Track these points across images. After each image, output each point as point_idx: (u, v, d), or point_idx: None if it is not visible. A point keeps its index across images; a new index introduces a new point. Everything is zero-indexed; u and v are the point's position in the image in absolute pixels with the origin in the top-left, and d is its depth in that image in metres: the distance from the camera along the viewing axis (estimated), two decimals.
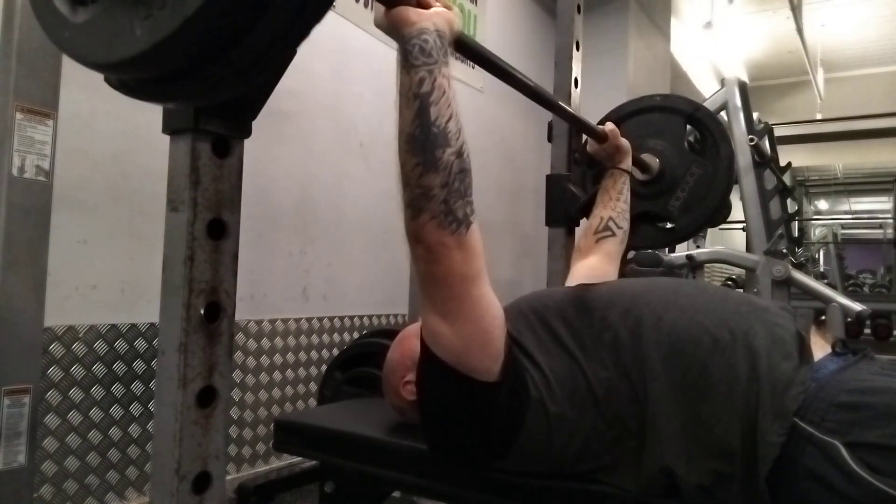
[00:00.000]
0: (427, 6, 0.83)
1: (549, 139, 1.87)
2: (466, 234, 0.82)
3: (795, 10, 5.35)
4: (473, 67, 3.35)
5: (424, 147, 0.79)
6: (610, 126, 1.49)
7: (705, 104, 4.01)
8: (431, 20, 0.82)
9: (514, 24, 3.87)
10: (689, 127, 1.83)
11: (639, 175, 1.69)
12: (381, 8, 0.82)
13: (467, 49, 0.96)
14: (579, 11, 1.87)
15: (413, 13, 0.81)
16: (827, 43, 6.91)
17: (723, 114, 3.83)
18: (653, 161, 1.74)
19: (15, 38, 1.22)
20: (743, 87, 3.80)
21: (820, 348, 0.91)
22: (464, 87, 3.04)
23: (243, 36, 0.53)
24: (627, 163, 1.53)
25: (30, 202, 1.26)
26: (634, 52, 4.09)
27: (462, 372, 0.88)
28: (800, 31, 5.65)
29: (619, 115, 1.84)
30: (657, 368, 0.89)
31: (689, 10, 5.64)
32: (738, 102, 3.74)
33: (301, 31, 0.55)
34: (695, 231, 1.89)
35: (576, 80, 1.86)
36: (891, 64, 7.59)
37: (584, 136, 1.62)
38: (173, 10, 0.50)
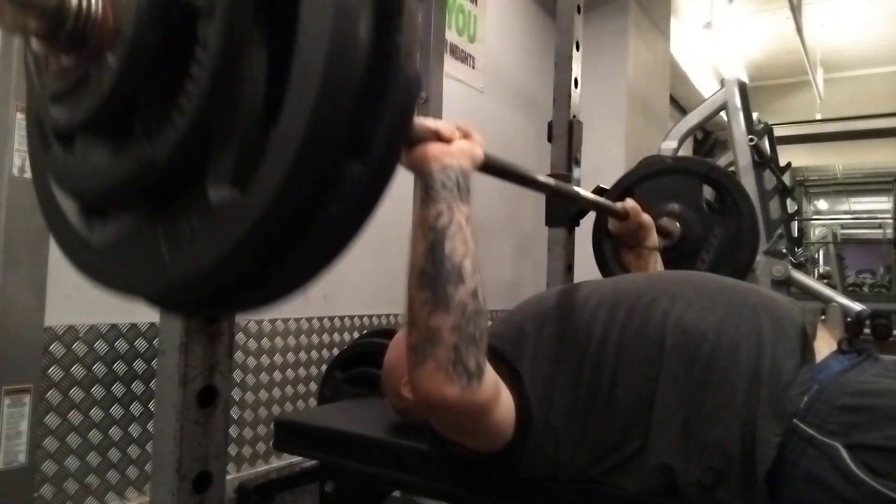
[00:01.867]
0: (448, 140, 0.82)
1: (550, 139, 1.87)
2: (479, 388, 0.75)
3: (795, 10, 5.35)
4: (473, 67, 3.35)
5: (435, 283, 0.74)
6: (631, 203, 1.45)
7: (705, 104, 4.03)
8: (455, 157, 0.80)
9: (514, 25, 3.87)
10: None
11: (660, 242, 1.66)
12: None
13: (493, 168, 0.96)
14: (579, 12, 1.87)
15: (436, 149, 0.79)
16: (826, 43, 6.91)
17: (722, 114, 3.83)
18: (672, 226, 1.70)
19: (15, 39, 1.22)
20: (742, 88, 3.80)
21: (826, 345, 0.90)
22: (464, 87, 3.04)
23: (276, 269, 0.46)
24: (653, 239, 1.47)
25: (30, 202, 1.26)
26: (634, 53, 4.09)
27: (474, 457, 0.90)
28: (799, 31, 5.65)
29: (632, 181, 1.83)
30: (662, 364, 0.89)
31: (689, 10, 5.64)
32: (738, 103, 3.74)
33: (333, 257, 0.49)
34: None
35: (576, 80, 1.86)
36: (890, 64, 7.58)
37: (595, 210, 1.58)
38: (207, 244, 0.44)
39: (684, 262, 1.71)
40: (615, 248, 1.68)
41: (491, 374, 0.80)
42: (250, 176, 0.42)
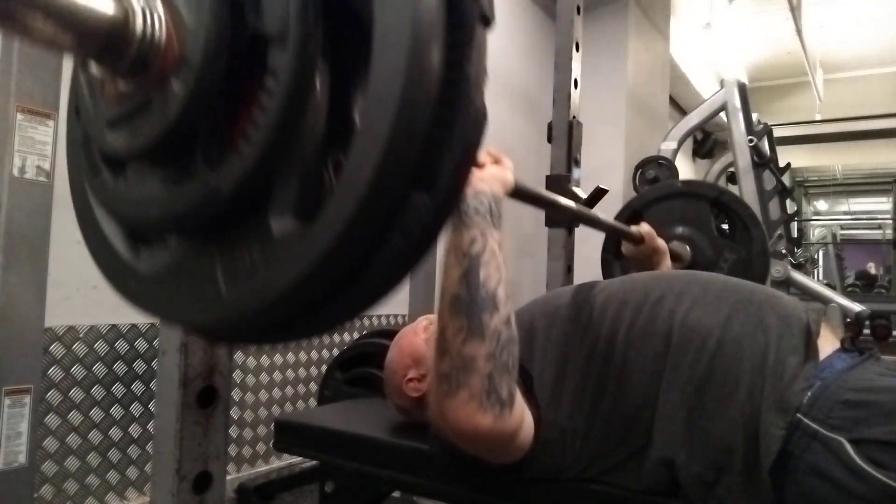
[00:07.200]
0: (480, 166, 0.83)
1: (549, 139, 1.88)
2: (510, 416, 0.75)
3: (794, 10, 5.35)
4: None
5: (471, 310, 0.73)
6: (646, 228, 1.46)
7: (704, 105, 4.03)
8: (487, 183, 0.81)
9: (514, 25, 3.87)
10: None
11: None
12: None
13: (522, 194, 0.97)
14: (579, 12, 1.88)
15: None
16: (826, 44, 6.92)
17: (722, 114, 3.83)
18: (683, 249, 1.72)
19: (15, 39, 1.22)
20: (742, 89, 3.80)
21: (829, 343, 0.91)
22: None
23: (334, 300, 0.44)
24: (667, 264, 1.47)
25: (30, 202, 1.26)
26: (634, 53, 4.09)
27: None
28: (799, 31, 5.65)
29: (641, 203, 1.84)
30: (667, 360, 0.90)
31: (689, 10, 5.64)
32: (738, 103, 3.74)
33: (391, 289, 0.47)
34: None
35: (575, 80, 1.86)
36: (890, 65, 7.59)
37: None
38: (269, 277, 0.42)
39: None
40: (625, 270, 1.69)
41: (518, 398, 0.79)
42: (315, 207, 0.41)
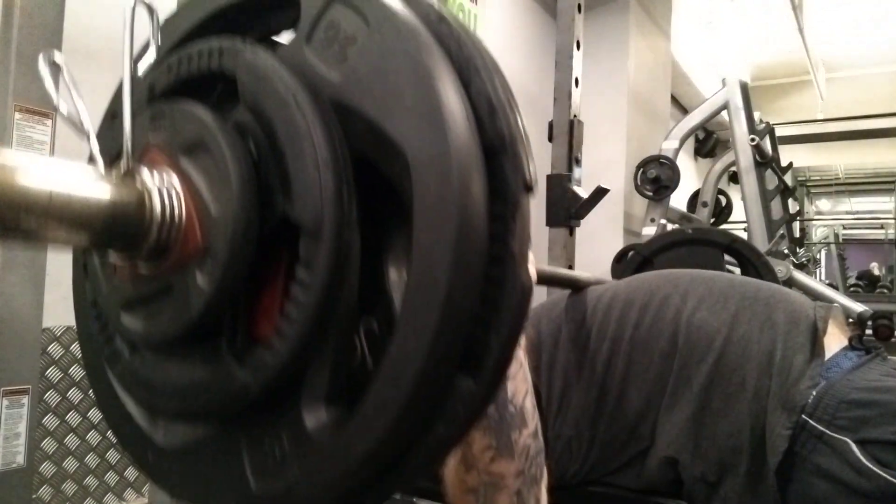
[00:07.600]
0: None
1: (550, 138, 1.87)
2: None
3: (796, 9, 5.34)
4: None
5: (499, 428, 0.69)
6: None
7: (706, 104, 4.02)
8: None
9: (514, 24, 3.86)
10: None
11: None
12: None
13: (543, 280, 0.96)
14: (580, 11, 1.87)
15: None
16: (828, 43, 6.90)
17: (724, 113, 3.82)
18: None
19: (14, 38, 1.22)
20: (744, 87, 3.79)
21: (837, 341, 0.90)
22: None
23: (369, 490, 0.41)
24: None
25: None
26: (635, 52, 4.08)
27: None
28: (801, 30, 5.64)
29: (651, 250, 1.83)
30: (674, 360, 0.89)
31: (690, 9, 5.63)
32: (740, 102, 3.73)
33: (429, 472, 0.45)
34: None
35: (576, 79, 1.85)
36: (892, 64, 7.57)
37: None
38: (304, 474, 0.39)
39: None
40: None
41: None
42: (352, 398, 0.39)
